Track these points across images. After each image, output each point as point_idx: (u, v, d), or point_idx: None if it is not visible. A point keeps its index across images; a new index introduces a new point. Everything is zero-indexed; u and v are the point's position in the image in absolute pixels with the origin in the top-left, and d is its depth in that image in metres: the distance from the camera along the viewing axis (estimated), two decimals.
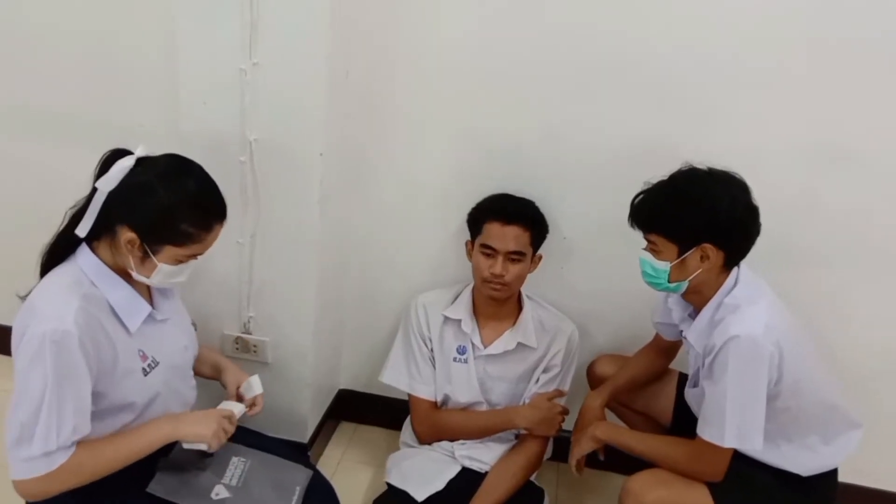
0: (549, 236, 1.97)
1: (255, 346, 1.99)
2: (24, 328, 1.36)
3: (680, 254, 1.56)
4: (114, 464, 1.45)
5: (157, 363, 1.52)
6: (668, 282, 1.59)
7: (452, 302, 2.00)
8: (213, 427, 1.52)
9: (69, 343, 1.33)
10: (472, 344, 1.95)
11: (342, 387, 2.40)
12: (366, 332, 2.30)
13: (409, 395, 2.00)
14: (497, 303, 1.93)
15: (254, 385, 1.70)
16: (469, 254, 1.95)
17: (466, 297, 1.99)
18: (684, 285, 1.59)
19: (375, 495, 1.92)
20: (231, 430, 1.56)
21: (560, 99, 1.91)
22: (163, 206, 1.37)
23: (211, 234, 1.44)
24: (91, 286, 1.42)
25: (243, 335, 1.99)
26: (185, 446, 1.55)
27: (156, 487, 1.55)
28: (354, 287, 2.24)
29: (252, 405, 1.68)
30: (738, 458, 1.60)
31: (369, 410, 2.39)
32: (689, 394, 1.74)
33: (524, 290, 2.00)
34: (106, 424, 1.46)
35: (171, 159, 1.44)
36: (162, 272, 1.43)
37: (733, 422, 1.51)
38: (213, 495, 1.58)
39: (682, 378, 1.95)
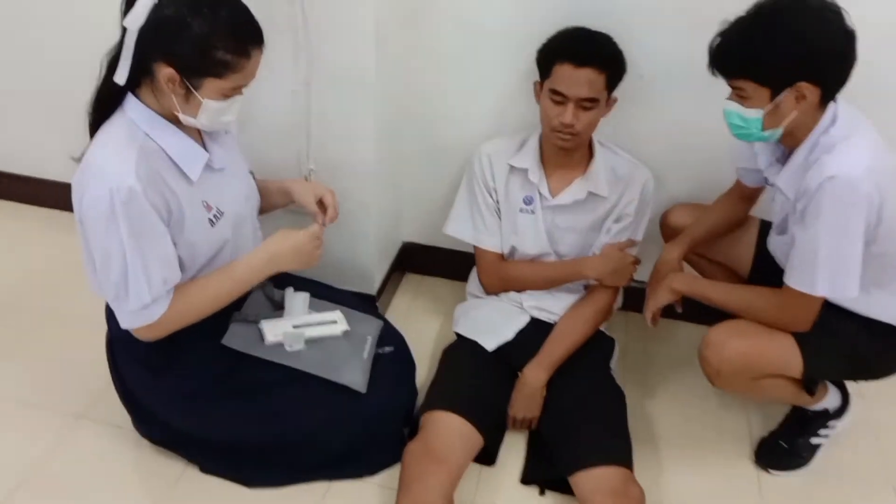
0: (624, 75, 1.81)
1: None
2: (85, 187, 1.34)
3: (773, 97, 1.40)
4: (215, 304, 1.51)
5: (223, 213, 1.50)
6: (762, 131, 1.45)
7: (518, 150, 1.90)
8: (308, 253, 1.58)
9: (137, 199, 1.32)
10: (540, 194, 1.86)
11: (406, 239, 2.38)
12: (427, 184, 2.23)
13: (475, 246, 1.95)
14: (566, 151, 1.82)
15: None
16: (537, 96, 1.81)
17: (533, 144, 1.88)
18: (779, 132, 1.45)
19: (445, 343, 1.94)
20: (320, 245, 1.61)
21: None
22: (196, 36, 1.30)
23: (251, 62, 1.37)
24: (145, 138, 1.39)
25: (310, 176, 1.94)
26: None
27: (231, 340, 1.59)
28: (414, 136, 2.14)
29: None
30: (825, 306, 1.52)
31: (434, 262, 2.37)
32: (775, 242, 1.64)
33: (595, 135, 1.87)
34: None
35: None
36: (208, 109, 1.37)
37: (826, 269, 1.42)
38: (287, 347, 1.61)
39: (763, 226, 1.84)
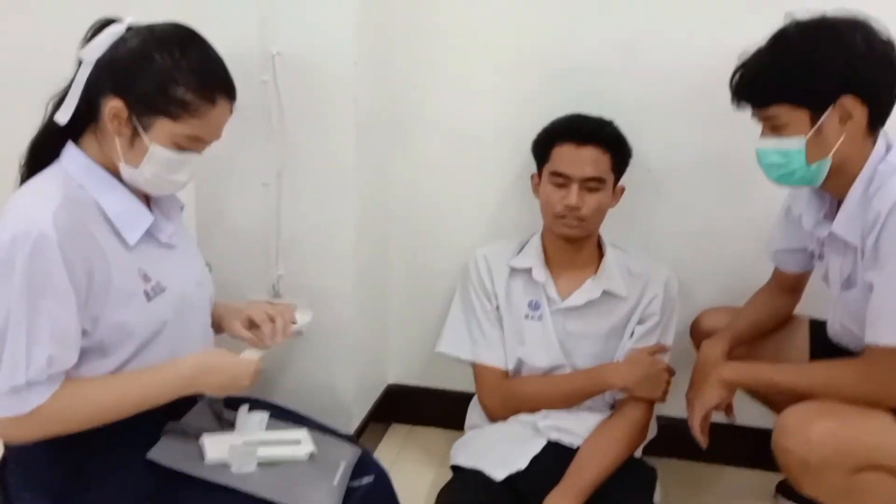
0: (630, 170, 1.64)
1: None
2: None
3: (814, 120, 1.22)
4: (113, 410, 1.15)
5: (164, 289, 1.21)
6: (807, 164, 1.24)
7: (519, 251, 1.67)
8: (248, 383, 1.26)
9: (47, 250, 1.05)
10: (547, 296, 1.60)
11: (391, 381, 2.04)
12: (414, 313, 1.96)
13: (474, 365, 1.64)
14: (573, 246, 1.60)
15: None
16: (535, 189, 1.63)
17: (535, 243, 1.66)
18: (826, 165, 1.25)
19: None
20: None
21: (639, 5, 1.64)
22: (157, 69, 1.12)
23: (215, 111, 1.17)
24: (79, 189, 1.15)
25: (273, 300, 1.67)
26: None
27: (161, 454, 1.21)
28: (398, 256, 1.93)
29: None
30: None
31: (425, 409, 2.01)
32: (842, 305, 1.34)
33: (605, 235, 1.66)
34: (99, 363, 1.15)
35: (170, 25, 1.19)
36: (154, 158, 1.15)
37: None
38: (234, 468, 1.23)
39: (814, 326, 1.56)
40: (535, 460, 1.46)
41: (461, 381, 1.82)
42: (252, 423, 1.36)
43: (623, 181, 1.62)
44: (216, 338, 1.38)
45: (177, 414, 1.28)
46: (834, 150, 1.23)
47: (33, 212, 1.07)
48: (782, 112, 1.24)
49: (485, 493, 1.40)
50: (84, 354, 1.13)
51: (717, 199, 1.73)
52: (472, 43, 1.74)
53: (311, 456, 1.30)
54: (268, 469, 1.25)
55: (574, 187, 1.52)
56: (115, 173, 1.19)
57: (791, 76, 1.22)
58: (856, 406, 1.20)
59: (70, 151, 1.17)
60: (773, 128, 1.27)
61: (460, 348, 1.65)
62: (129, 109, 1.13)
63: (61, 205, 1.09)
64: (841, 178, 1.27)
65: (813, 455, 1.17)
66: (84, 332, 1.12)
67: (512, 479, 1.42)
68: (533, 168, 1.65)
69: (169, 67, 1.13)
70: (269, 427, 1.37)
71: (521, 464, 1.45)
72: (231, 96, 1.21)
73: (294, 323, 1.41)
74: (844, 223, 1.27)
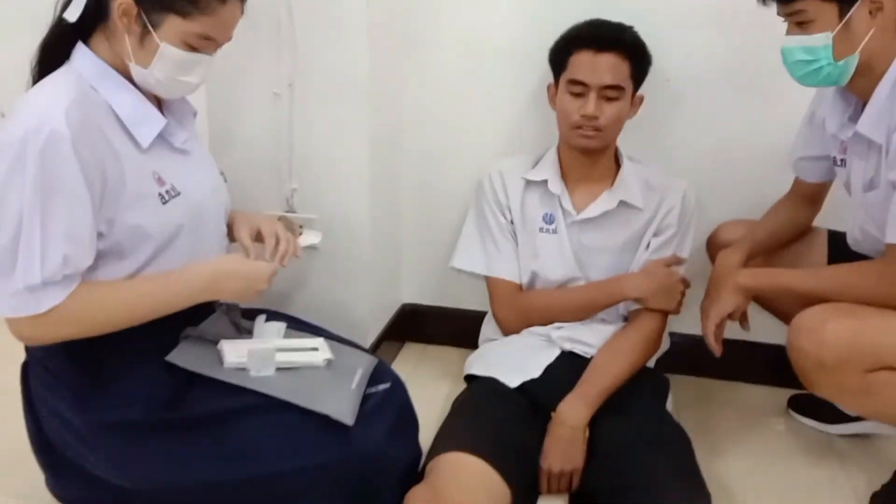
0: (649, 79, 1.60)
1: (301, 225, 1.66)
2: (1, 131, 1.07)
3: (842, 14, 1.18)
4: (128, 314, 1.15)
5: (179, 193, 1.20)
6: (834, 61, 1.20)
7: (534, 165, 1.64)
8: (256, 291, 1.26)
9: (60, 147, 1.04)
10: (562, 209, 1.58)
11: (406, 301, 2.04)
12: (428, 232, 1.95)
13: (488, 278, 1.63)
14: (589, 159, 1.57)
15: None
16: (552, 101, 1.60)
17: (551, 156, 1.63)
18: (854, 62, 1.21)
19: None
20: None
21: None
22: None
23: (225, 9, 1.14)
24: (91, 90, 1.13)
25: (287, 213, 1.66)
26: None
27: (180, 357, 1.23)
28: (412, 172, 1.90)
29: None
30: None
31: (440, 327, 2.02)
32: (863, 208, 1.32)
33: (622, 148, 1.63)
34: (116, 267, 1.16)
35: None
36: (165, 58, 1.13)
37: None
38: (252, 371, 1.25)
39: (832, 238, 1.54)
40: (549, 369, 1.46)
41: (475, 301, 1.82)
42: (270, 332, 1.38)
43: (642, 91, 1.59)
44: (231, 246, 1.38)
45: (194, 322, 1.30)
46: (862, 45, 1.19)
47: (45, 109, 1.06)
48: (810, 6, 1.20)
49: (500, 398, 1.41)
50: (101, 257, 1.14)
51: (738, 111, 1.69)
52: None
53: (329, 363, 1.32)
54: (286, 374, 1.27)
55: (592, 96, 1.48)
56: (127, 76, 1.17)
57: None
58: (872, 307, 1.19)
59: (81, 52, 1.16)
60: (800, 24, 1.22)
61: (474, 263, 1.64)
62: (139, 6, 1.10)
63: (73, 103, 1.08)
64: (868, 77, 1.23)
65: (828, 355, 1.17)
66: (100, 235, 1.12)
67: (526, 387, 1.44)
68: (549, 81, 1.62)
69: None
70: (286, 337, 1.39)
71: (535, 372, 1.46)
72: None
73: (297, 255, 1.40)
74: (870, 121, 1.23)
